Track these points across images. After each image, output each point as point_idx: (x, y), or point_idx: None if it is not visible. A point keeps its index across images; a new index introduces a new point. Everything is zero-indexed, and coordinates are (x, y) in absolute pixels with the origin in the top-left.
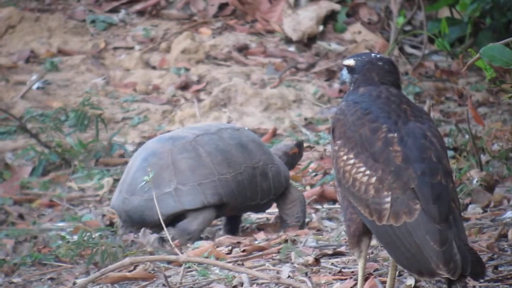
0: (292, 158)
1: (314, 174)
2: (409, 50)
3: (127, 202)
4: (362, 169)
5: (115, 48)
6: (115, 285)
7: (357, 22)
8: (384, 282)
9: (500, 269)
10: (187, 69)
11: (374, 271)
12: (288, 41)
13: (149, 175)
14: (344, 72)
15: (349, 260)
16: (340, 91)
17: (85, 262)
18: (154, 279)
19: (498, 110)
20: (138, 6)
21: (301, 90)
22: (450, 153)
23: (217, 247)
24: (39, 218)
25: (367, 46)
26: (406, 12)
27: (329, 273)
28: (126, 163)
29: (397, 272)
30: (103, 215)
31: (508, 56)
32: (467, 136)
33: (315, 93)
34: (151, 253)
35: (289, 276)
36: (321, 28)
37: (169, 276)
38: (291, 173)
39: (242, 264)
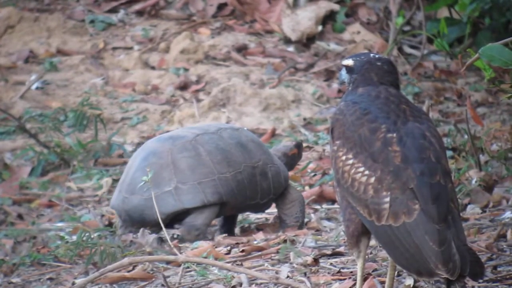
0: (292, 159)
1: (313, 174)
2: (408, 50)
3: (127, 202)
4: (361, 169)
5: (114, 48)
6: (114, 285)
7: (356, 22)
8: (383, 282)
9: (499, 269)
10: (186, 69)
11: (373, 271)
12: (287, 41)
13: (148, 175)
14: (343, 72)
15: (348, 260)
16: (339, 91)
17: (84, 262)
18: (153, 279)
19: (497, 110)
20: (137, 6)
21: (300, 90)
22: (449, 153)
23: (216, 247)
24: (38, 218)
25: (366, 46)
26: (405, 12)
27: (328, 273)
28: (125, 163)
29: (396, 272)
30: (102, 215)
31: (507, 56)
32: (466, 136)
33: (314, 93)
34: (150, 253)
35: (288, 276)
36: (320, 28)
37: (168, 276)
38: (290, 173)
39: (241, 264)
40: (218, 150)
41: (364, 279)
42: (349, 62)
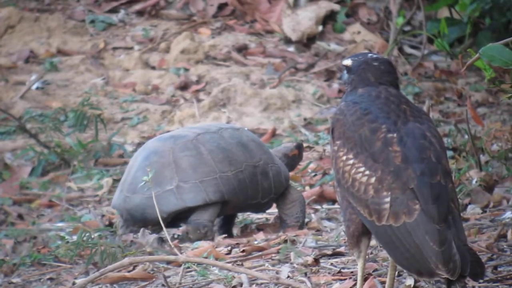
0: (292, 159)
1: (313, 174)
2: (408, 50)
3: (128, 201)
4: (362, 169)
5: (115, 48)
6: (114, 285)
7: (357, 22)
8: (383, 282)
9: (499, 269)
10: (186, 69)
11: (374, 271)
12: (288, 41)
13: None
14: (345, 72)
15: (349, 260)
16: (340, 91)
17: (84, 262)
18: (153, 279)
19: (498, 110)
20: (137, 6)
21: (301, 90)
22: (450, 153)
23: (217, 247)
24: (39, 218)
25: (366, 46)
26: (406, 12)
27: (329, 273)
28: (125, 163)
29: (397, 272)
30: (103, 215)
31: (507, 56)
32: (466, 136)
33: (315, 93)
34: (150, 253)
35: (288, 276)
36: (320, 28)
37: (168, 276)
38: (291, 173)
39: (242, 264)
40: (220, 149)
41: (365, 279)
42: (348, 62)
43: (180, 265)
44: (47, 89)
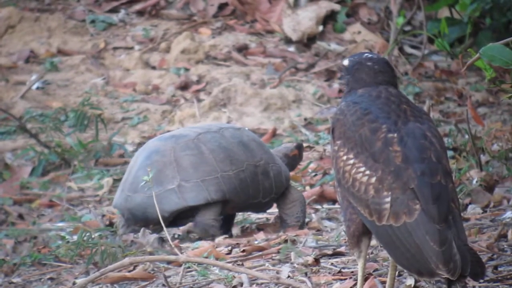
0: (292, 160)
1: (313, 174)
2: (408, 50)
3: (130, 200)
4: (362, 169)
5: (115, 48)
6: (115, 285)
7: (357, 22)
8: (384, 282)
9: (499, 269)
10: (186, 69)
11: (374, 271)
12: (288, 41)
13: (151, 173)
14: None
15: (349, 260)
16: (340, 91)
17: (84, 262)
18: (154, 279)
19: (498, 110)
20: (137, 6)
21: (301, 90)
22: (450, 153)
23: (217, 247)
24: (39, 218)
25: (366, 46)
26: (406, 12)
27: (329, 273)
28: (125, 163)
29: (397, 272)
30: (103, 215)
31: (507, 56)
32: (466, 136)
33: (315, 93)
34: (150, 253)
35: (288, 276)
36: (320, 28)
37: (169, 276)
38: (291, 173)
39: (242, 264)
40: (221, 149)
41: (365, 279)
42: (345, 62)
43: (180, 265)
44: (48, 89)
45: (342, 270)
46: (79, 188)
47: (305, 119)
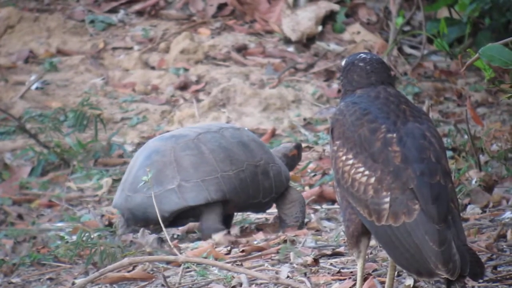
0: (292, 159)
1: (313, 174)
2: (408, 50)
3: (130, 200)
4: (361, 169)
5: (114, 48)
6: (114, 285)
7: (356, 23)
8: (383, 282)
9: (499, 269)
10: (186, 69)
11: (373, 271)
12: (287, 41)
13: (151, 173)
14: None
15: (348, 260)
16: (339, 91)
17: (84, 262)
18: (153, 279)
19: (497, 111)
20: (137, 6)
21: (300, 91)
22: (449, 153)
23: (216, 247)
24: (38, 218)
25: (366, 46)
26: (405, 13)
27: (328, 273)
28: (125, 163)
29: (396, 272)
30: (102, 215)
31: (507, 56)
32: (466, 137)
33: (314, 94)
34: (150, 254)
35: (288, 277)
36: (320, 28)
37: (168, 277)
38: (290, 173)
39: (241, 265)
40: (221, 149)
41: (364, 279)
42: (342, 63)
43: (179, 265)
44: (47, 89)
45: (341, 270)
46: (78, 188)
47: (304, 119)
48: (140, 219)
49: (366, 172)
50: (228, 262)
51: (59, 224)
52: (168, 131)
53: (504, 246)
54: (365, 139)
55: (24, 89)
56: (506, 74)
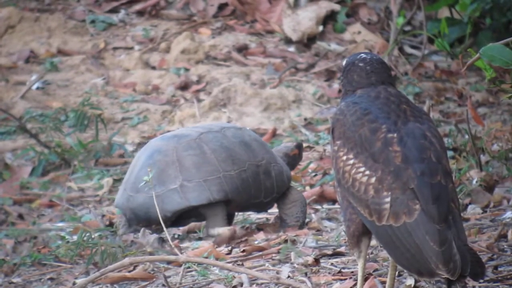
0: (293, 159)
1: (313, 174)
2: (408, 50)
3: (132, 200)
4: (362, 169)
5: (115, 48)
6: (115, 285)
7: (357, 23)
8: (383, 282)
9: (499, 269)
10: (186, 69)
11: (374, 271)
12: (288, 41)
13: (153, 173)
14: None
15: (349, 260)
16: (340, 91)
17: (84, 262)
18: (154, 279)
19: (498, 110)
20: (137, 6)
21: (301, 90)
22: (450, 153)
23: (217, 247)
24: (39, 218)
25: (366, 46)
26: (406, 12)
27: (329, 273)
28: (126, 163)
29: (397, 272)
30: (103, 215)
31: (507, 56)
32: (466, 137)
33: (315, 93)
34: (150, 253)
35: (288, 276)
36: (320, 28)
37: (169, 276)
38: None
39: (242, 264)
40: (223, 148)
41: (365, 279)
42: (343, 63)
43: (180, 265)
44: (48, 89)
45: (342, 270)
46: (79, 188)
47: (305, 119)
48: (142, 219)
49: (367, 172)
50: (229, 262)
51: (60, 224)
52: (169, 131)
53: (505, 246)
54: (366, 139)
55: (25, 89)
56: (507, 74)
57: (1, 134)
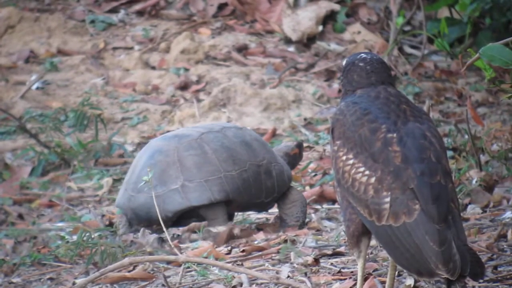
0: (293, 158)
1: (313, 174)
2: (408, 50)
3: (133, 200)
4: (362, 169)
5: (115, 48)
6: (115, 285)
7: (357, 22)
8: (383, 282)
9: (499, 269)
10: (186, 69)
11: (374, 271)
12: (288, 41)
13: (154, 173)
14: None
15: (349, 260)
16: (340, 91)
17: (84, 262)
18: (154, 279)
19: (498, 110)
20: (137, 6)
21: (301, 90)
22: (450, 153)
23: (217, 247)
24: (39, 218)
25: (366, 46)
26: (406, 12)
27: (329, 273)
28: (125, 163)
29: (397, 272)
30: (103, 215)
31: (507, 56)
32: (466, 136)
33: (315, 93)
34: (150, 253)
35: (288, 276)
36: (320, 28)
37: (169, 276)
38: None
39: (242, 264)
40: (224, 148)
41: (365, 279)
42: (343, 63)
43: (180, 265)
44: (47, 89)
45: (342, 270)
46: (78, 188)
47: (305, 119)
48: (143, 219)
49: (367, 172)
50: (228, 262)
51: (60, 224)
52: (168, 131)
53: (505, 246)
54: (366, 139)
55: (24, 89)
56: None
57: (1, 134)
